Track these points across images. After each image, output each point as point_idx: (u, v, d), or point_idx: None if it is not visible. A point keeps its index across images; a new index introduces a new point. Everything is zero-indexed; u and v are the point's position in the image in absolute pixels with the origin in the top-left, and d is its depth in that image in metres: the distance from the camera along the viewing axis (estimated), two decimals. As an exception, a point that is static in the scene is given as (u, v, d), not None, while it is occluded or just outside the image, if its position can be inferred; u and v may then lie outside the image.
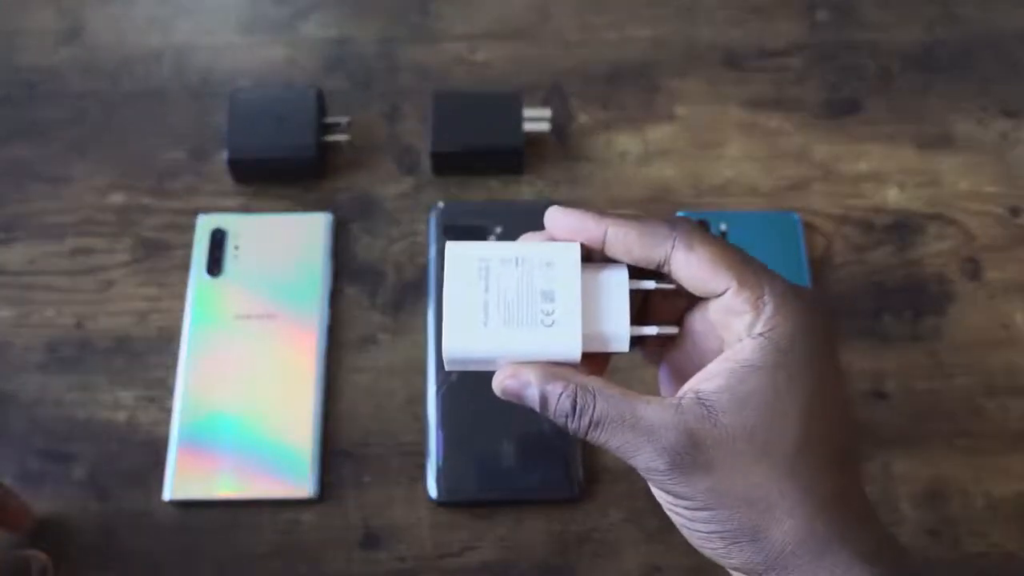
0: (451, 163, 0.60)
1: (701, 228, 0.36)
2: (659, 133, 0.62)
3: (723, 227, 0.57)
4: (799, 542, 0.33)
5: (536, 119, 0.60)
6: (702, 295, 0.35)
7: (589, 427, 0.35)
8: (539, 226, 0.38)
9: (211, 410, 0.53)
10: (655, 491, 0.36)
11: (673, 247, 0.35)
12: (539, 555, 0.51)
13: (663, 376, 0.39)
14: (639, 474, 0.35)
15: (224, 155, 0.59)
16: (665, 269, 0.35)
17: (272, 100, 0.60)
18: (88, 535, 0.51)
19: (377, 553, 0.51)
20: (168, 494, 0.52)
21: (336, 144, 0.60)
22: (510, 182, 0.60)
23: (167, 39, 0.66)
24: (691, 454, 0.33)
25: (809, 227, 0.58)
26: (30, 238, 0.59)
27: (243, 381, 0.54)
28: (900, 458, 0.53)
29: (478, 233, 0.57)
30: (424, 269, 0.57)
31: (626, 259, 0.36)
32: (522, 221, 0.57)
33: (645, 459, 0.34)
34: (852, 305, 0.57)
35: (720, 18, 0.66)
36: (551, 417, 0.35)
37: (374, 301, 0.57)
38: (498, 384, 0.37)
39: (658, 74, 0.64)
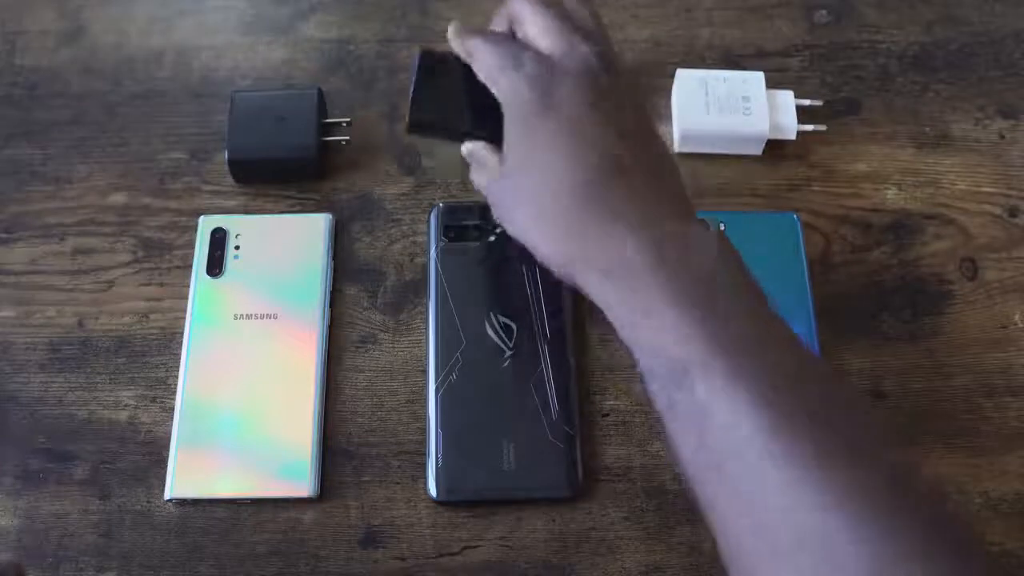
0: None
1: (482, 36, 0.49)
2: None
3: (722, 227, 0.57)
4: (553, 258, 0.45)
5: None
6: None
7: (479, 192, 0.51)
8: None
9: (212, 409, 0.53)
10: None
11: (469, 58, 0.49)
12: (539, 554, 0.51)
13: None
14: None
15: (224, 155, 0.59)
16: None
17: (272, 100, 0.60)
18: (88, 534, 0.52)
19: (377, 552, 0.51)
20: (169, 493, 0.52)
21: (336, 144, 0.61)
22: (510, 182, 0.60)
23: (168, 39, 0.66)
24: (501, 207, 0.48)
25: (808, 227, 0.59)
26: (31, 238, 0.59)
27: (243, 381, 0.54)
28: (898, 457, 0.53)
29: (478, 233, 0.57)
30: (424, 269, 0.57)
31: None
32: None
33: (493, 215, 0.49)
34: (851, 305, 0.57)
35: (719, 18, 0.66)
36: None
37: (374, 301, 0.57)
38: None
39: (658, 74, 0.64)
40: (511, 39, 0.49)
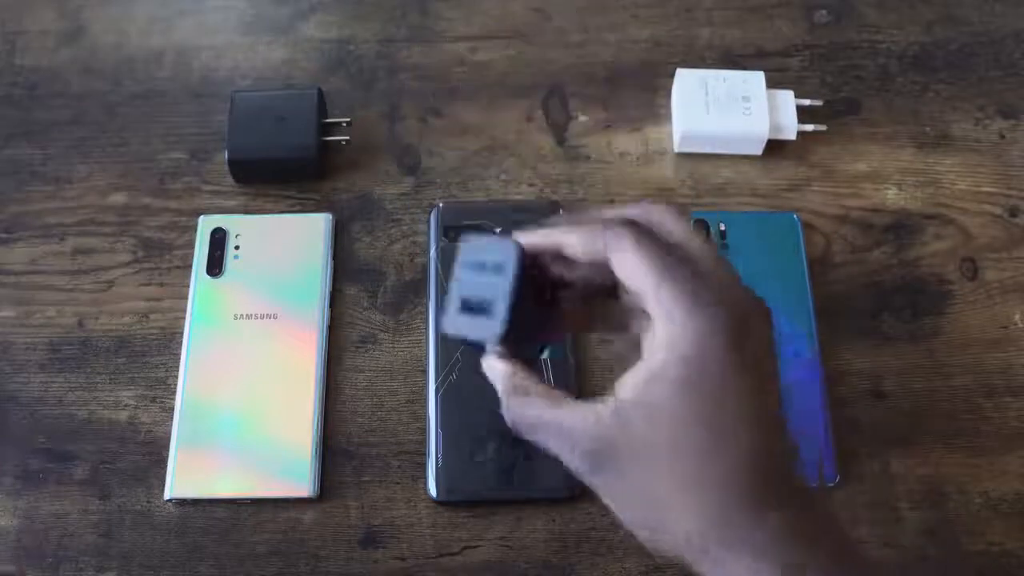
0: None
1: (634, 231, 0.37)
2: (659, 133, 0.62)
3: (722, 227, 0.57)
4: (697, 541, 0.36)
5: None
6: (634, 294, 0.38)
7: (526, 431, 0.39)
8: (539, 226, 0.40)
9: (212, 409, 0.53)
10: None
11: (606, 250, 0.37)
12: (539, 554, 0.51)
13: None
14: None
15: (224, 155, 0.59)
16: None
17: (272, 100, 0.60)
18: (88, 534, 0.52)
19: (377, 552, 0.51)
20: (168, 493, 0.52)
21: (336, 144, 0.61)
22: (510, 182, 0.61)
23: (168, 39, 0.66)
24: (605, 459, 0.37)
25: (808, 227, 0.59)
26: (31, 238, 0.59)
27: (243, 381, 0.54)
28: (898, 457, 0.53)
29: (478, 233, 0.57)
30: (424, 269, 0.58)
31: (583, 260, 0.39)
32: (522, 221, 0.57)
33: (569, 460, 0.38)
34: (851, 305, 0.57)
35: (719, 18, 0.66)
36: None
37: (374, 301, 0.57)
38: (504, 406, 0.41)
39: (658, 74, 0.64)
40: (674, 250, 0.38)
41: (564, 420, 0.38)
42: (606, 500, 0.38)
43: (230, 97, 0.60)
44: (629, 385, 0.37)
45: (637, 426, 0.36)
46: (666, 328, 0.36)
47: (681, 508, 0.36)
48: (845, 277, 0.58)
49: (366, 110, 0.63)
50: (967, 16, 0.66)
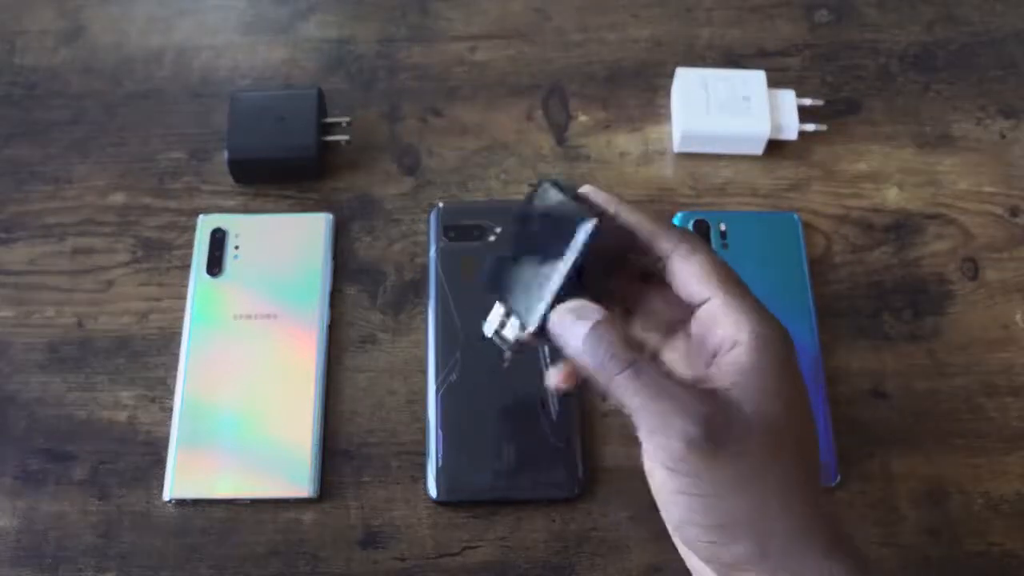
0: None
1: (704, 242, 0.39)
2: (659, 133, 0.62)
3: (723, 227, 0.57)
4: (788, 538, 0.36)
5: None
6: (686, 298, 0.38)
7: (639, 389, 0.36)
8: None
9: (211, 410, 0.53)
10: (661, 483, 0.37)
11: (674, 249, 0.38)
12: (539, 555, 0.51)
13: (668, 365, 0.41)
14: (643, 475, 0.38)
15: (224, 155, 0.59)
16: (660, 266, 0.39)
17: (272, 100, 0.60)
18: (87, 535, 0.52)
19: (377, 553, 0.51)
20: (168, 494, 0.52)
21: (336, 144, 0.60)
22: (510, 182, 0.60)
23: (167, 39, 0.66)
24: (713, 434, 0.35)
25: (809, 227, 0.59)
26: (31, 238, 0.59)
27: (243, 381, 0.54)
28: (899, 457, 0.53)
29: (478, 233, 0.57)
30: (424, 269, 0.57)
31: (642, 248, 0.39)
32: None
33: (667, 435, 0.35)
34: (852, 305, 0.57)
35: (719, 18, 0.66)
36: (592, 364, 0.37)
37: (374, 301, 0.57)
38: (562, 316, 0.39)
39: (658, 74, 0.64)
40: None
41: (677, 392, 0.36)
42: (687, 493, 0.36)
43: (230, 97, 0.60)
44: (724, 373, 0.36)
45: (749, 407, 0.36)
46: (749, 323, 0.37)
47: (776, 496, 0.36)
48: (845, 277, 0.58)
49: (366, 110, 0.63)
50: (968, 16, 0.66)
